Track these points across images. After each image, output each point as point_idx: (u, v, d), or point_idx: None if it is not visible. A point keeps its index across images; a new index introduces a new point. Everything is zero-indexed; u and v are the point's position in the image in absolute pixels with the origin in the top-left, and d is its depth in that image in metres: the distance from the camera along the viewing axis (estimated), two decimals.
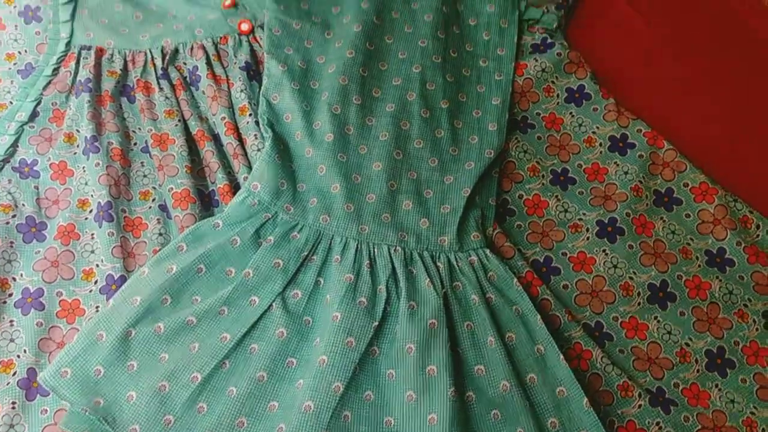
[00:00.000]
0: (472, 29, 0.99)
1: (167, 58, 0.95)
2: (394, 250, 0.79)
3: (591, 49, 1.02)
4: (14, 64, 0.95)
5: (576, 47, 1.01)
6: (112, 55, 0.95)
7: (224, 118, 0.89)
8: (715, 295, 0.82)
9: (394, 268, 0.77)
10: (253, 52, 0.97)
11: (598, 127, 0.93)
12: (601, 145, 0.91)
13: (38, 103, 0.91)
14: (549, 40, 0.98)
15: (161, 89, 0.92)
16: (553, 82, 0.96)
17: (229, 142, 0.88)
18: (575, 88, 0.95)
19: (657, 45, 1.02)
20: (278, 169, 0.82)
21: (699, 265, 0.84)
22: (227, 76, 0.94)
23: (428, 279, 0.76)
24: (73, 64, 0.93)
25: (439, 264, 0.79)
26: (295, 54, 0.93)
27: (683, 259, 0.84)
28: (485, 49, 0.97)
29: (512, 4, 1.00)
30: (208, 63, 0.94)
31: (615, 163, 0.90)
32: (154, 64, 0.94)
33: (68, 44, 0.95)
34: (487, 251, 0.80)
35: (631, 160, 0.90)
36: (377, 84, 0.92)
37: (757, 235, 0.85)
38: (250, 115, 0.90)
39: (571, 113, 0.94)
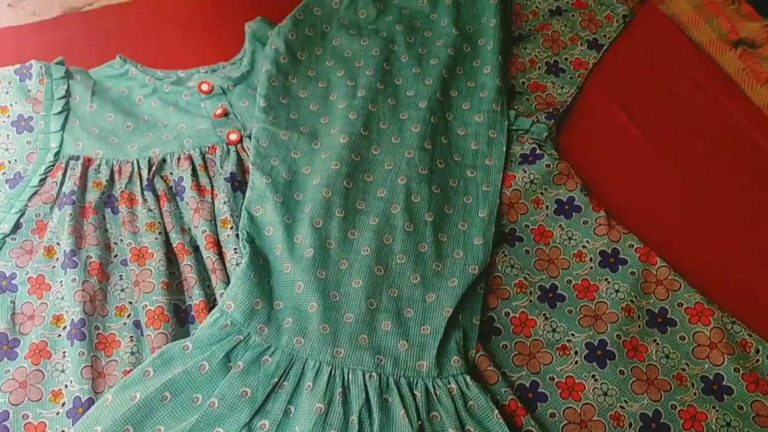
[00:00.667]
0: (460, 139, 0.98)
1: (154, 168, 0.95)
2: (369, 376, 0.76)
3: (582, 157, 1.00)
4: (3, 173, 0.95)
5: (566, 155, 1.00)
6: (99, 165, 0.95)
7: (205, 231, 0.88)
8: (711, 428, 0.77)
9: (368, 397, 0.74)
10: (240, 161, 0.97)
11: (588, 241, 0.90)
12: (591, 260, 0.88)
13: (22, 215, 0.90)
14: (538, 151, 0.97)
15: (145, 200, 0.91)
16: (542, 194, 0.94)
17: (208, 256, 0.87)
18: (565, 200, 0.93)
19: (655, 158, 1.00)
20: (254, 288, 0.80)
21: (694, 393, 0.79)
22: (212, 187, 0.94)
23: (403, 410, 0.72)
24: (60, 174, 0.93)
25: (416, 392, 0.75)
26: (281, 165, 0.93)
27: (678, 386, 0.80)
28: (473, 159, 0.96)
29: (501, 114, 0.99)
30: (194, 173, 0.94)
31: (606, 279, 0.87)
32: (140, 175, 0.94)
33: (57, 154, 0.96)
34: (468, 378, 0.76)
35: (622, 277, 0.87)
36: (361, 196, 0.90)
37: (757, 360, 0.81)
38: (231, 227, 0.89)
39: (560, 226, 0.92)
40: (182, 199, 0.93)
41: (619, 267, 0.87)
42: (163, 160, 0.96)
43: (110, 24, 1.17)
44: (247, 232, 0.86)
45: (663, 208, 0.95)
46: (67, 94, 1.02)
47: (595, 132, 1.03)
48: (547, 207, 0.93)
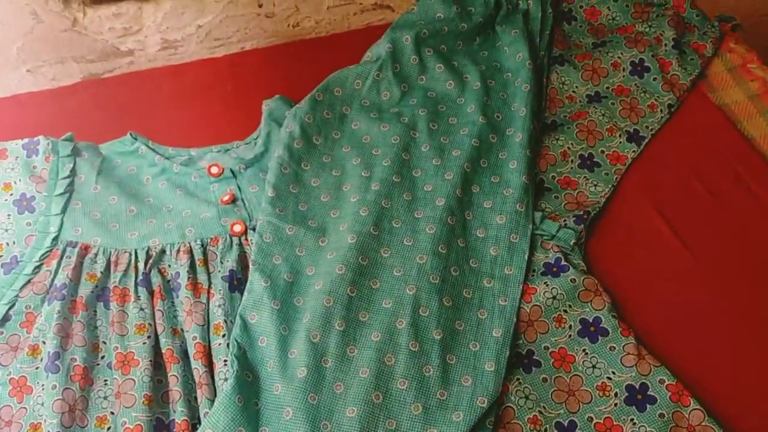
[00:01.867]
0: (478, 242, 0.90)
1: (152, 260, 0.90)
2: None
3: (612, 268, 0.92)
4: (0, 255, 0.91)
5: (595, 264, 0.91)
6: (96, 254, 0.91)
7: (195, 337, 0.83)
8: None
9: None
10: (242, 255, 0.91)
11: (614, 372, 0.81)
12: (616, 395, 0.79)
13: (12, 306, 0.86)
14: (563, 262, 0.88)
15: (138, 298, 0.86)
16: (565, 311, 0.86)
17: (196, 367, 0.81)
18: (590, 321, 0.85)
19: (694, 272, 0.91)
20: (237, 414, 0.74)
21: None
22: (209, 285, 0.88)
23: None
24: (55, 263, 0.89)
25: None
26: (283, 264, 0.87)
27: None
28: (491, 267, 0.88)
29: (525, 216, 0.92)
30: (192, 269, 0.89)
31: (632, 420, 0.78)
32: (137, 268, 0.89)
33: (55, 239, 0.92)
34: None
35: (650, 419, 0.77)
36: (365, 306, 0.84)
37: None
38: (224, 335, 0.83)
39: (584, 350, 0.83)
40: (178, 296, 0.88)
41: (647, 406, 0.78)
42: (163, 251, 0.91)
43: (128, 93, 1.13)
44: (238, 344, 0.80)
45: (702, 333, 0.86)
46: (72, 174, 0.98)
47: (627, 239, 0.95)
48: (570, 327, 0.85)
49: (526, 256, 0.89)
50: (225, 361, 0.81)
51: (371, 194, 0.92)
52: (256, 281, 0.85)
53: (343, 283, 0.84)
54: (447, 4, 1.10)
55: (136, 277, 0.88)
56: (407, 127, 1.00)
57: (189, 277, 0.88)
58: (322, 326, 0.80)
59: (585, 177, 1.00)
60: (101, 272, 0.89)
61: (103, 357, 0.84)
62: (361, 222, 0.89)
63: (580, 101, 1.09)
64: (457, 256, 0.89)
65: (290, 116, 1.01)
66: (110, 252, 0.91)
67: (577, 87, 1.10)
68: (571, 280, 0.87)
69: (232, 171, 0.99)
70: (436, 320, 0.83)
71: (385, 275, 0.86)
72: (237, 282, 0.88)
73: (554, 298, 0.86)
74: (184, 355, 0.83)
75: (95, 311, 0.87)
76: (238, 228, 0.93)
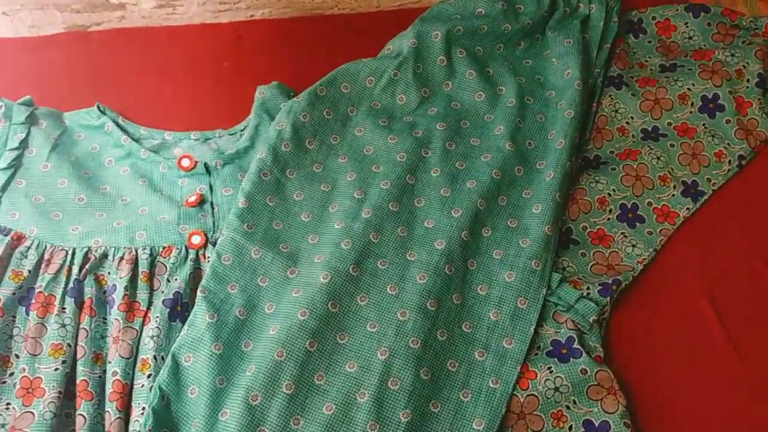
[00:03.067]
0: (478, 302, 0.74)
1: (89, 264, 0.76)
2: None
3: (638, 359, 0.75)
4: None
5: (616, 351, 0.75)
6: (28, 248, 0.77)
7: (116, 373, 0.69)
8: None
9: None
10: (196, 274, 0.77)
11: None
12: None
13: None
14: (576, 344, 0.72)
15: (62, 310, 0.73)
16: (567, 408, 0.69)
17: (108, 410, 0.67)
18: (597, 425, 0.69)
19: (744, 384, 0.74)
20: None
21: None
22: (148, 306, 0.74)
23: None
24: None
25: None
26: (238, 295, 0.72)
27: None
28: (487, 336, 0.73)
29: (540, 278, 0.75)
30: (132, 283, 0.75)
31: None
32: (70, 271, 0.75)
33: None
34: None
35: None
36: (324, 367, 0.69)
37: None
38: (149, 375, 0.69)
39: None
40: (110, 314, 0.74)
41: None
42: (104, 255, 0.77)
43: (112, 52, 0.99)
44: (161, 392, 0.66)
45: None
46: (22, 146, 0.84)
47: (661, 324, 0.77)
48: (570, 429, 0.69)
49: (532, 329, 0.73)
50: (143, 408, 0.67)
51: (360, 223, 0.76)
52: (200, 314, 0.70)
53: (303, 333, 0.68)
54: None
55: (67, 284, 0.75)
56: (419, 143, 0.83)
57: (125, 294, 0.74)
58: (266, 386, 0.66)
59: (623, 233, 0.83)
60: (29, 271, 0.75)
61: (11, 374, 0.71)
62: (340, 257, 0.74)
63: (633, 136, 0.91)
64: (449, 316, 0.73)
65: (284, 111, 0.85)
66: (45, 247, 0.77)
67: (632, 118, 0.92)
68: (581, 371, 0.70)
69: (206, 166, 0.84)
70: (407, 397, 0.67)
71: (356, 330, 0.71)
72: (180, 308, 0.73)
73: (557, 389, 0.70)
74: (101, 389, 0.69)
75: (14, 317, 0.74)
76: (196, 240, 0.78)
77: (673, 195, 0.86)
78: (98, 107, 0.88)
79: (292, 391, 0.66)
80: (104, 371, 0.70)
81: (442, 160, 0.82)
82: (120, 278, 0.75)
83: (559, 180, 0.80)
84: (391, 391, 0.67)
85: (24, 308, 0.74)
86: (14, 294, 0.74)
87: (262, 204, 0.79)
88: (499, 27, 0.91)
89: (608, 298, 0.75)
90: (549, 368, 0.71)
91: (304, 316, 0.69)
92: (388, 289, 0.73)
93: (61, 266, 0.76)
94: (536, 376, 0.70)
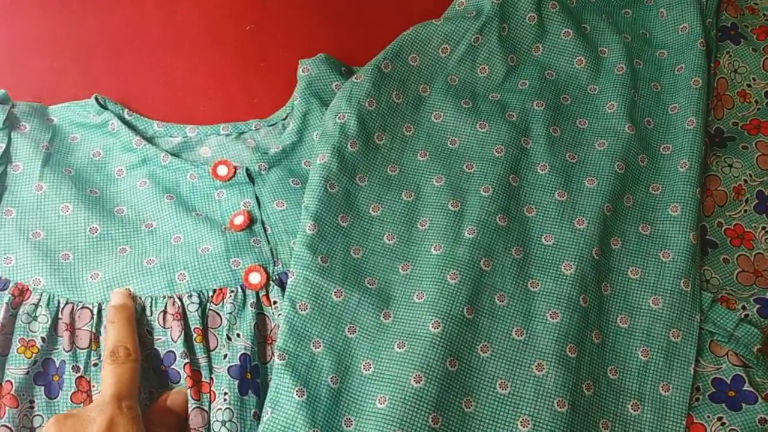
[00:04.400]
0: (620, 338, 0.60)
1: None
2: None
3: None
4: None
5: None
6: (36, 306, 0.58)
7: None
8: None
9: None
10: (261, 322, 0.59)
11: None
12: None
13: None
14: (746, 385, 0.59)
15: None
16: None
17: None
18: None
19: None
20: None
21: None
22: (210, 377, 0.57)
23: None
24: None
25: None
26: (326, 356, 0.57)
27: None
28: (639, 382, 0.59)
29: (692, 300, 0.61)
30: (186, 344, 0.57)
31: None
32: (98, 338, 0.57)
33: None
34: None
35: None
36: None
37: None
38: None
39: None
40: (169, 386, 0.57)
41: None
42: (142, 308, 0.59)
43: (106, 16, 0.77)
44: None
45: None
46: (4, 161, 0.64)
47: None
48: None
49: (692, 369, 0.59)
50: None
51: (464, 248, 0.60)
52: (285, 390, 0.54)
53: (423, 406, 0.53)
54: None
55: (99, 356, 0.57)
56: (515, 129, 0.66)
57: (186, 362, 0.56)
58: None
59: (764, 228, 0.68)
60: (42, 338, 0.57)
61: None
62: (448, 298, 0.57)
63: (756, 102, 0.75)
64: (591, 361, 0.58)
65: (342, 96, 0.66)
66: (59, 303, 0.59)
67: (753, 80, 0.76)
68: (760, 420, 0.57)
69: (248, 172, 0.66)
70: None
71: (484, 392, 0.56)
72: (251, 376, 0.57)
73: None
74: None
75: (31, 402, 0.56)
76: (255, 278, 0.60)
77: None
78: (97, 99, 0.68)
79: None
80: None
81: (549, 152, 0.66)
82: (173, 341, 0.57)
83: (697, 171, 0.65)
84: None
85: (42, 388, 0.56)
86: (28, 373, 0.56)
87: (335, 226, 0.61)
88: None
89: None
90: (720, 419, 0.57)
91: (419, 383, 0.54)
92: (513, 333, 0.58)
93: (91, 333, 0.58)
94: (705, 430, 0.57)
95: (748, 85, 0.75)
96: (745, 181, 0.69)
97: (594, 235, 0.61)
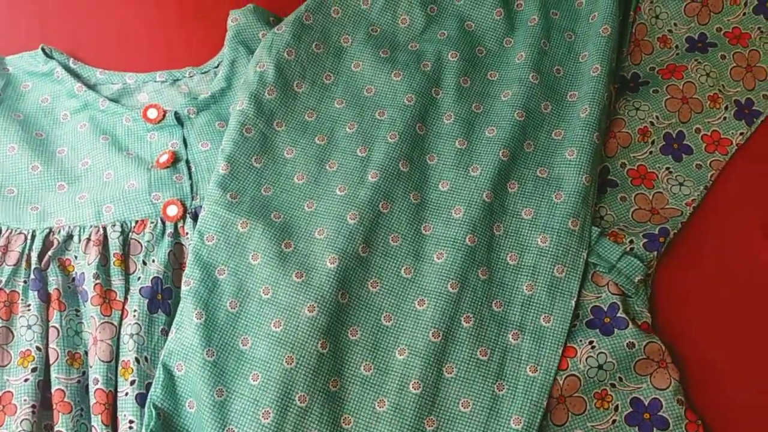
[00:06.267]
0: (508, 274, 0.65)
1: (52, 250, 0.65)
2: None
3: (692, 324, 0.66)
4: None
5: (665, 317, 0.65)
6: None
7: (97, 380, 0.60)
8: None
9: None
10: (177, 251, 0.66)
11: None
12: None
13: None
14: (620, 312, 0.63)
15: (27, 307, 0.63)
16: (613, 386, 0.62)
17: (94, 424, 0.59)
18: (646, 404, 0.61)
19: None
20: None
21: None
22: (125, 296, 0.64)
23: None
24: None
25: None
26: (228, 282, 0.63)
27: None
28: (522, 313, 0.64)
29: (579, 238, 0.65)
30: (103, 268, 0.65)
31: None
32: (29, 260, 0.65)
33: None
34: None
35: None
36: (338, 371, 0.61)
37: None
38: (133, 382, 0.60)
39: None
40: (84, 306, 0.64)
41: None
42: (69, 236, 0.66)
43: None
44: (156, 409, 0.57)
45: None
46: None
47: (716, 278, 0.68)
48: (616, 409, 0.61)
49: (574, 302, 0.63)
50: (131, 422, 0.58)
51: (366, 190, 0.65)
52: (187, 313, 0.61)
53: (313, 333, 0.59)
54: None
55: (28, 275, 0.64)
56: (428, 79, 0.70)
57: (97, 283, 0.63)
58: (277, 401, 0.57)
59: (668, 168, 0.71)
60: None
61: None
62: (347, 235, 0.63)
63: (677, 47, 0.77)
64: (474, 296, 0.63)
65: (264, 47, 0.71)
66: (0, 231, 0.66)
67: (675, 25, 0.78)
68: (628, 344, 0.61)
69: (177, 115, 0.71)
70: (431, 402, 0.59)
71: (369, 323, 0.61)
72: (161, 296, 0.63)
73: (600, 367, 0.61)
74: (81, 397, 0.61)
75: None
76: (172, 211, 0.67)
77: (725, 118, 0.73)
78: (43, 50, 0.74)
79: (306, 404, 0.57)
80: (83, 374, 0.62)
81: (456, 102, 0.69)
82: (88, 264, 0.64)
83: (597, 117, 0.68)
84: (412, 395, 0.59)
85: None
86: None
87: (247, 167, 0.67)
88: None
89: (655, 253, 0.65)
90: (591, 343, 0.62)
91: (313, 312, 0.59)
92: (402, 271, 0.63)
93: (21, 255, 0.65)
94: (576, 353, 0.62)
95: (669, 31, 0.78)
96: (652, 123, 0.72)
97: (486, 181, 0.65)
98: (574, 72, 0.71)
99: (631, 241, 0.66)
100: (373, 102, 0.70)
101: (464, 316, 0.61)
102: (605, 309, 0.64)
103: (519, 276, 0.64)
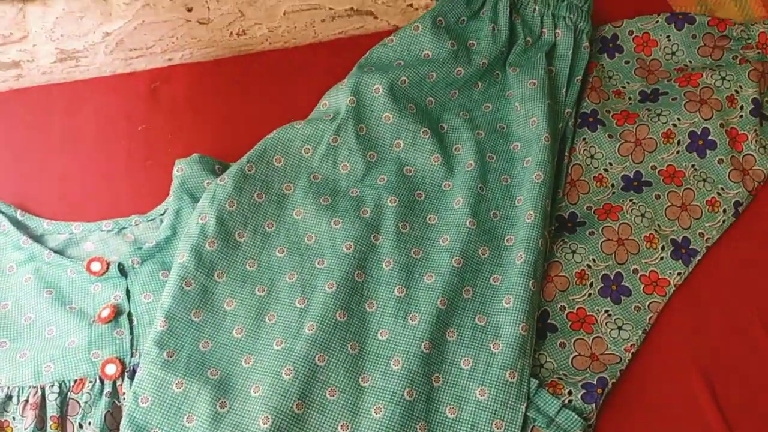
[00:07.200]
0: (447, 427, 0.64)
1: None
2: None
3: None
4: None
5: None
6: None
7: None
8: None
9: None
10: (115, 410, 0.65)
11: None
12: None
13: None
14: None
15: None
16: None
17: None
18: None
19: None
20: None
21: None
22: None
23: None
24: None
25: None
26: None
27: None
28: None
29: (517, 391, 0.65)
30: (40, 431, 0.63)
31: None
32: None
33: None
34: None
35: None
36: None
37: None
38: None
39: None
40: None
41: None
42: (9, 397, 0.66)
43: (9, 118, 0.85)
44: None
45: None
46: None
47: (659, 419, 0.68)
48: None
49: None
50: None
51: (303, 343, 0.65)
52: None
53: None
54: (438, 38, 0.78)
55: None
56: (368, 226, 0.72)
57: None
58: None
59: (607, 312, 0.72)
60: None
61: None
62: (282, 392, 0.63)
63: (613, 186, 0.79)
64: None
65: (206, 198, 0.72)
66: None
67: (610, 164, 0.80)
68: None
69: (121, 267, 0.72)
70: None
71: None
72: None
73: None
74: None
75: None
76: (111, 369, 0.67)
77: (662, 258, 0.75)
78: None
79: None
80: None
81: (395, 248, 0.71)
82: (25, 429, 0.63)
83: (532, 264, 0.69)
84: None
85: None
86: None
87: (186, 322, 0.67)
88: (450, 72, 0.78)
89: (593, 405, 0.65)
90: None
91: None
92: (339, 428, 0.63)
93: None
94: None
95: (605, 170, 0.80)
96: (588, 266, 0.73)
97: (424, 330, 0.66)
98: (510, 216, 0.73)
99: (570, 392, 0.66)
100: (313, 250, 0.71)
101: None
102: None
103: (458, 431, 0.63)
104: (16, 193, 0.78)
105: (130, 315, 0.70)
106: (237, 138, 0.81)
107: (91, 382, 0.66)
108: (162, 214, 0.77)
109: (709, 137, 0.80)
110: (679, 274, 0.74)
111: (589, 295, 0.73)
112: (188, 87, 0.87)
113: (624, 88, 0.86)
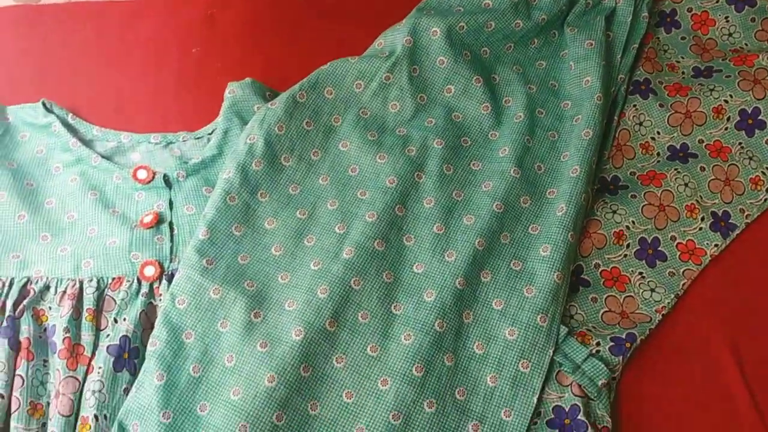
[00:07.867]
0: (473, 363, 0.65)
1: (27, 299, 0.66)
2: None
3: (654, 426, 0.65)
4: None
5: (626, 422, 0.65)
6: None
7: None
8: None
9: None
10: (149, 311, 0.66)
11: None
12: None
13: None
14: (580, 415, 0.63)
15: None
16: None
17: None
18: None
19: None
20: None
21: None
22: (93, 351, 0.64)
23: None
24: None
25: None
26: (194, 347, 0.63)
27: None
28: (483, 405, 0.64)
29: (546, 335, 0.65)
30: (75, 322, 0.65)
31: None
32: (5, 307, 0.65)
33: None
34: None
35: None
36: None
37: None
38: None
39: None
40: (52, 358, 0.64)
41: None
42: (46, 287, 0.67)
43: (66, 30, 0.86)
44: None
45: None
46: None
47: (680, 387, 0.68)
48: None
49: (536, 399, 0.63)
50: None
51: (339, 265, 0.66)
52: (149, 374, 0.61)
53: (270, 404, 0.59)
54: None
55: (0, 322, 0.65)
56: (412, 164, 0.72)
57: (66, 337, 0.64)
58: None
59: (641, 273, 0.72)
60: None
61: None
62: (316, 308, 0.63)
63: (658, 155, 0.79)
64: (439, 382, 0.63)
65: (256, 120, 0.73)
66: None
67: (658, 133, 0.80)
68: None
69: (166, 178, 0.73)
70: None
71: (331, 399, 0.61)
72: (128, 355, 0.64)
73: None
74: None
75: None
76: (149, 271, 0.68)
77: (701, 228, 0.75)
78: (44, 104, 0.77)
79: None
80: (43, 425, 0.62)
81: (437, 188, 0.71)
82: (61, 317, 0.65)
83: (573, 217, 0.69)
84: None
85: None
86: None
87: (227, 234, 0.68)
88: (508, 24, 0.78)
89: (620, 358, 0.66)
90: None
91: (272, 383, 0.60)
92: (368, 349, 0.64)
93: None
94: None
95: (652, 138, 0.80)
96: (627, 227, 0.74)
97: (460, 268, 0.66)
98: (554, 170, 0.73)
99: (598, 344, 0.66)
100: (356, 181, 0.72)
101: (427, 401, 0.62)
102: (566, 410, 0.64)
103: (484, 366, 0.64)
104: (70, 99, 0.79)
105: (171, 224, 0.71)
106: (287, 71, 0.81)
107: (128, 281, 0.67)
108: (210, 134, 0.78)
109: (759, 117, 0.79)
110: (716, 245, 0.74)
111: (625, 255, 0.73)
112: (243, 17, 0.88)
113: (678, 62, 0.86)
